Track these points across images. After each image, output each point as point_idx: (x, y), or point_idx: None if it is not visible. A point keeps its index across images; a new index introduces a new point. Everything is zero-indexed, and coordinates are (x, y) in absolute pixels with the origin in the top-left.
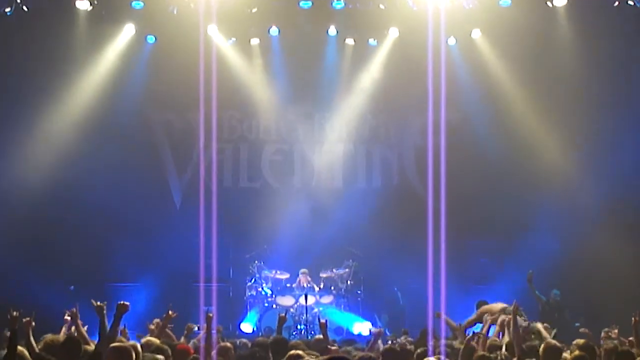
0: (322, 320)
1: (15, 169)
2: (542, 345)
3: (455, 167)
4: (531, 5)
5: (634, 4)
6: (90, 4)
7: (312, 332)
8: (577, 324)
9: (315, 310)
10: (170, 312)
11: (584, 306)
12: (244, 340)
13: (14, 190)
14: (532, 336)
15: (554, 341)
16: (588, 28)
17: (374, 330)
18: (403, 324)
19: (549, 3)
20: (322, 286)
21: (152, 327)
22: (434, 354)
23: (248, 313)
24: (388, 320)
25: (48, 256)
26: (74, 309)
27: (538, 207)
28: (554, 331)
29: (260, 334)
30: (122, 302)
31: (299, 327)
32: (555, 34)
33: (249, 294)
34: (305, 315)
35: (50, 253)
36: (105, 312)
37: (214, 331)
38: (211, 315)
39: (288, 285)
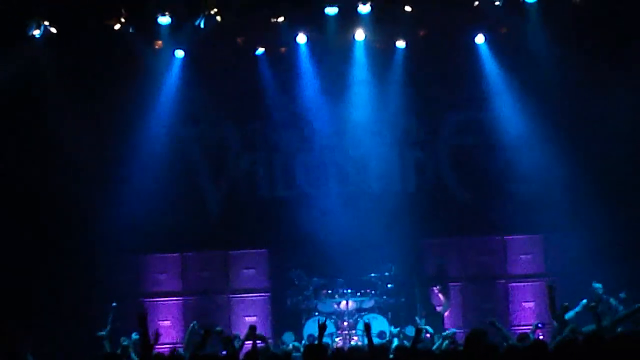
0: (367, 322)
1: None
2: None
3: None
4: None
5: None
6: (118, 22)
7: (354, 338)
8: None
9: (356, 315)
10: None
11: None
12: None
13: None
14: None
15: None
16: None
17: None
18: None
19: None
20: (362, 291)
21: None
22: None
23: (289, 322)
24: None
25: (88, 271)
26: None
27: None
28: None
29: (303, 342)
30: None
31: (342, 333)
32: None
33: (290, 302)
34: (347, 320)
35: (89, 268)
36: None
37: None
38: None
39: (329, 291)
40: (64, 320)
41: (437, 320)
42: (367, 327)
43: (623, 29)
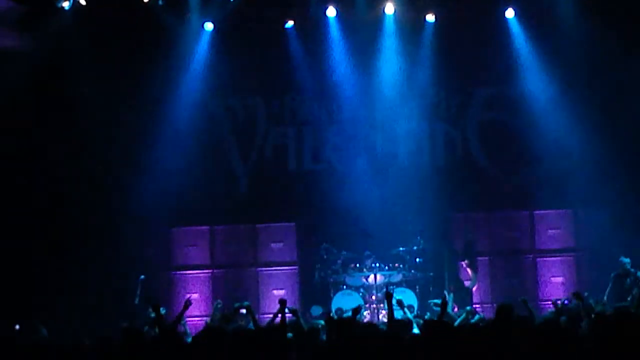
0: (389, 292)
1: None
2: None
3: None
4: None
5: None
6: None
7: (383, 312)
8: None
9: (384, 289)
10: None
11: None
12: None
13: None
14: None
15: None
16: None
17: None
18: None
19: None
20: (391, 265)
21: None
22: None
23: (317, 296)
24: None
25: (115, 245)
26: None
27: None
28: None
29: (331, 315)
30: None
31: (370, 306)
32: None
33: (318, 276)
34: (375, 294)
35: (115, 242)
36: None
37: (288, 314)
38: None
39: (357, 265)
40: (93, 294)
41: (465, 295)
42: (389, 296)
43: None
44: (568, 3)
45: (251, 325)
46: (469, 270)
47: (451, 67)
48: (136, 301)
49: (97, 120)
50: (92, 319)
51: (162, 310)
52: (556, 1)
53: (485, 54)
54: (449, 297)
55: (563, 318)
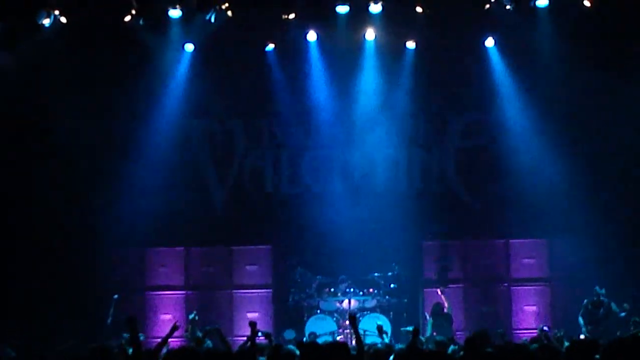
0: (353, 315)
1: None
2: None
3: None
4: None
5: None
6: (129, 14)
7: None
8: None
9: (358, 314)
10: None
11: None
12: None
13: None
14: None
15: None
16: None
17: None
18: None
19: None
20: (365, 290)
21: None
22: None
23: (291, 319)
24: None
25: (89, 265)
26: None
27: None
28: None
29: (304, 339)
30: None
31: (343, 331)
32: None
33: (292, 299)
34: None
35: (90, 261)
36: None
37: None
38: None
39: (331, 289)
40: (67, 313)
41: (446, 322)
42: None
43: (632, 34)
44: (547, 33)
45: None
46: (443, 297)
47: (430, 94)
48: (109, 321)
49: (74, 138)
50: (64, 339)
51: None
52: (535, 31)
53: (464, 81)
54: (429, 322)
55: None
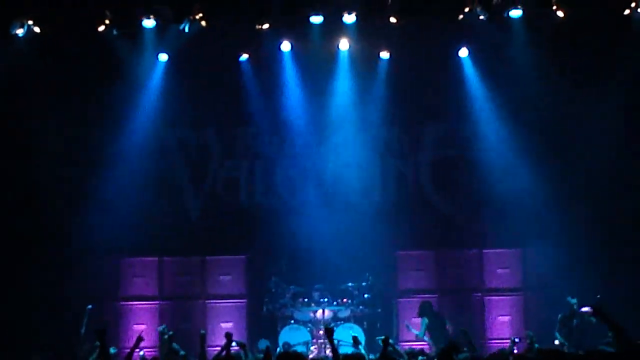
0: (330, 327)
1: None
2: None
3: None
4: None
5: None
6: (102, 24)
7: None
8: None
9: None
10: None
11: None
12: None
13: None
14: None
15: None
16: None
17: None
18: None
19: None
20: (339, 300)
21: None
22: None
23: (265, 329)
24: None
25: (64, 275)
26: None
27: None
28: None
29: (278, 350)
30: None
31: (317, 342)
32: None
33: (266, 309)
34: (322, 329)
35: (63, 271)
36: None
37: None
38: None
39: (305, 299)
40: (41, 323)
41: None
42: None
43: (605, 45)
44: (520, 43)
45: None
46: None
47: (404, 104)
48: (82, 331)
49: (48, 149)
50: (38, 349)
51: (112, 350)
52: (509, 42)
53: (439, 91)
54: (422, 321)
55: None
